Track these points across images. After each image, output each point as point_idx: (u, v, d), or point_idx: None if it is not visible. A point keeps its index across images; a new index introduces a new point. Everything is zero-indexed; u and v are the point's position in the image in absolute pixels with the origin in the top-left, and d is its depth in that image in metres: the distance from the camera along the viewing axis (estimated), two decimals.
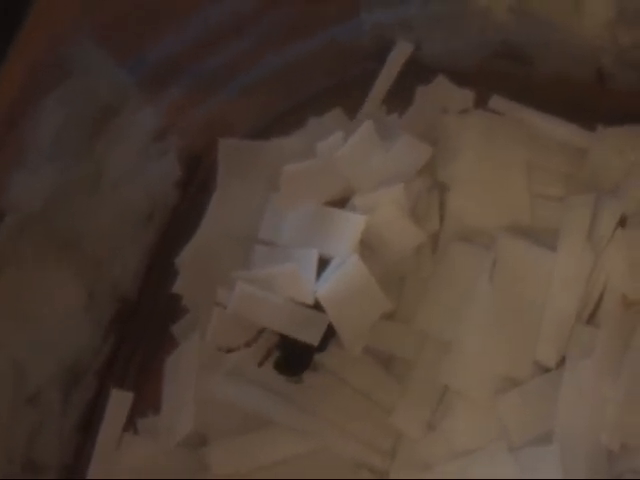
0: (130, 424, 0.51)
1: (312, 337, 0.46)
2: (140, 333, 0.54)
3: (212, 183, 0.54)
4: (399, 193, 0.48)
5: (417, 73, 0.54)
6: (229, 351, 0.48)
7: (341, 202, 0.50)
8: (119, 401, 0.51)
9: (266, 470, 0.48)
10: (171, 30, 0.51)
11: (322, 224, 0.49)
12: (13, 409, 0.47)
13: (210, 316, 0.50)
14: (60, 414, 0.50)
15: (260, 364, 0.48)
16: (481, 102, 0.53)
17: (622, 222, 0.49)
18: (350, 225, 0.48)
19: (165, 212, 0.55)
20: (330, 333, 0.47)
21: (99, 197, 0.51)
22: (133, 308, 0.54)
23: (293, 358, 0.47)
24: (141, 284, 0.55)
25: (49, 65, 0.46)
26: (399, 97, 0.54)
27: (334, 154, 0.50)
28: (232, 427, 0.49)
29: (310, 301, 0.47)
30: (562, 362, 0.47)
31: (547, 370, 0.48)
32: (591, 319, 0.48)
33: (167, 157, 0.55)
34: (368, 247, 0.48)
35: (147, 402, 0.51)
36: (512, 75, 0.53)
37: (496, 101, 0.52)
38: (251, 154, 0.54)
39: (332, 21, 0.54)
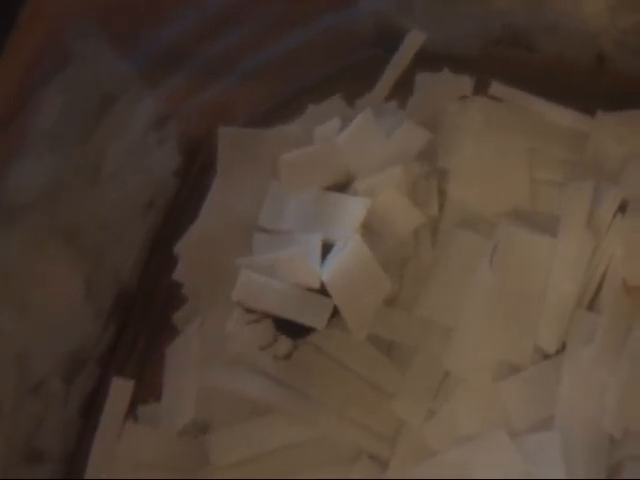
0: (131, 412, 0.51)
1: (318, 322, 0.46)
2: (141, 321, 0.54)
3: (212, 170, 0.54)
4: (399, 176, 0.48)
5: (416, 59, 0.54)
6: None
7: (341, 188, 0.50)
8: (120, 389, 0.51)
9: (267, 457, 0.48)
10: (171, 18, 0.50)
11: (324, 209, 0.49)
12: (16, 399, 0.47)
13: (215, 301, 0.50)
14: (62, 402, 0.51)
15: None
16: (481, 89, 0.52)
17: (622, 208, 0.49)
18: (353, 208, 0.48)
19: (165, 200, 0.56)
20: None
21: (99, 185, 0.51)
22: (134, 296, 0.54)
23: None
24: (141, 272, 0.55)
25: (49, 53, 0.46)
26: (397, 83, 0.54)
27: (333, 140, 0.50)
28: (233, 415, 0.49)
29: (316, 285, 0.46)
30: (563, 348, 0.47)
31: (548, 356, 0.47)
32: (592, 305, 0.48)
33: (167, 145, 0.55)
34: (369, 231, 0.48)
35: (148, 390, 0.51)
36: (512, 61, 0.53)
37: (496, 88, 0.52)
38: (251, 142, 0.54)
39: (331, 8, 0.53)
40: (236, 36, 0.53)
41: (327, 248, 0.48)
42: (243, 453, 0.48)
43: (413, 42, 0.54)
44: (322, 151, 0.50)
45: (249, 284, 0.47)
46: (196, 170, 0.56)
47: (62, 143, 0.48)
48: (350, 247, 0.47)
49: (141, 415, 0.51)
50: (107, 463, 0.49)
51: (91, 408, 0.52)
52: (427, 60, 0.54)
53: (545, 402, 0.46)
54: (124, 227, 0.53)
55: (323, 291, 0.46)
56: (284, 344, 0.48)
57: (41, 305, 0.49)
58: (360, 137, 0.50)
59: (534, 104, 0.51)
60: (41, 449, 0.49)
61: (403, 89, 0.53)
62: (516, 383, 0.47)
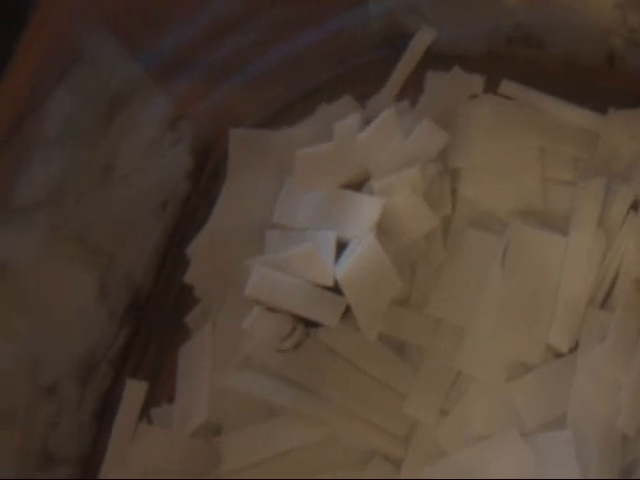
0: (145, 414, 0.51)
1: (330, 319, 0.46)
2: (154, 323, 0.54)
3: (223, 172, 0.55)
4: (416, 177, 0.48)
5: (426, 59, 0.54)
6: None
7: (356, 185, 0.50)
8: (134, 391, 0.51)
9: (280, 459, 0.48)
10: (182, 20, 0.51)
11: (338, 207, 0.49)
12: (30, 402, 0.47)
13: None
14: (77, 405, 0.51)
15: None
16: (492, 87, 0.52)
17: (634, 206, 0.48)
18: (368, 208, 0.48)
19: (177, 202, 0.56)
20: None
21: (111, 187, 0.51)
22: (147, 298, 0.55)
23: None
24: (154, 274, 0.55)
25: (60, 55, 0.46)
26: (408, 83, 0.54)
27: (353, 137, 0.50)
28: (245, 417, 0.49)
29: (329, 283, 0.46)
30: (575, 347, 0.47)
31: (560, 355, 0.47)
32: (604, 304, 0.48)
33: (178, 147, 0.55)
34: (382, 230, 0.48)
35: (161, 392, 0.52)
36: (523, 59, 0.53)
37: (506, 86, 0.52)
38: (261, 143, 0.54)
39: (340, 9, 0.53)
40: (246, 38, 0.53)
41: (340, 246, 0.48)
42: (255, 455, 0.48)
43: (423, 39, 0.54)
44: (339, 148, 0.50)
45: (262, 280, 0.47)
46: (208, 172, 0.57)
47: (73, 145, 0.48)
48: (364, 246, 0.47)
49: (154, 417, 0.51)
50: (121, 465, 0.49)
51: (105, 410, 0.52)
52: (437, 60, 0.54)
53: (558, 401, 0.46)
54: (137, 229, 0.53)
55: (336, 289, 0.46)
56: (298, 334, 0.48)
57: (54, 308, 0.49)
58: (380, 135, 0.49)
59: (545, 102, 0.51)
60: (55, 452, 0.49)
61: (414, 89, 0.53)
62: (528, 382, 0.47)
